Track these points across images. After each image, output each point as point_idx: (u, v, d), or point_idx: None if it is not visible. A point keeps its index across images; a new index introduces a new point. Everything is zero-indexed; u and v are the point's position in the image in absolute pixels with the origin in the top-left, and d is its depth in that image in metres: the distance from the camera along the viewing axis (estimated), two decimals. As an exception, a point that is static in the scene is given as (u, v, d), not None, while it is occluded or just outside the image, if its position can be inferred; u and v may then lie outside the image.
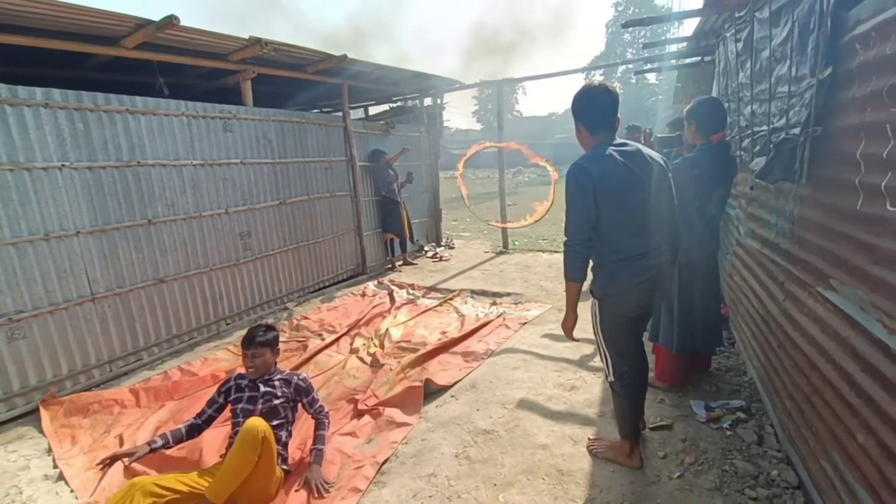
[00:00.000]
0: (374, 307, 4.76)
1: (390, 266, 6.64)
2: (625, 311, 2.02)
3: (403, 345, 3.77)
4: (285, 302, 5.09)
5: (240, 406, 2.25)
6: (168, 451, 2.36)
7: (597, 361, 3.24)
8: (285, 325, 4.44)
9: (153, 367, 3.69)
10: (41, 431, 2.79)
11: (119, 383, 3.42)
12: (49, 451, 2.63)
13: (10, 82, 3.01)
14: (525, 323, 4.17)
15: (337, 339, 4.00)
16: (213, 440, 2.50)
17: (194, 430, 2.32)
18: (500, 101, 7.23)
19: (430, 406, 2.87)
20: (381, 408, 2.82)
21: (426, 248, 7.69)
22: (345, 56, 4.98)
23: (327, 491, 2.14)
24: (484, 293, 5.18)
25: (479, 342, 3.75)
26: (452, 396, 2.97)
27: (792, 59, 1.90)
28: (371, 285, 5.68)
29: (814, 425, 1.78)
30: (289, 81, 5.65)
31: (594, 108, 1.98)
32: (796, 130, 1.85)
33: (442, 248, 7.77)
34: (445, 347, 3.64)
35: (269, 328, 2.39)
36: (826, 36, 1.60)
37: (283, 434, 2.26)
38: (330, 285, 5.82)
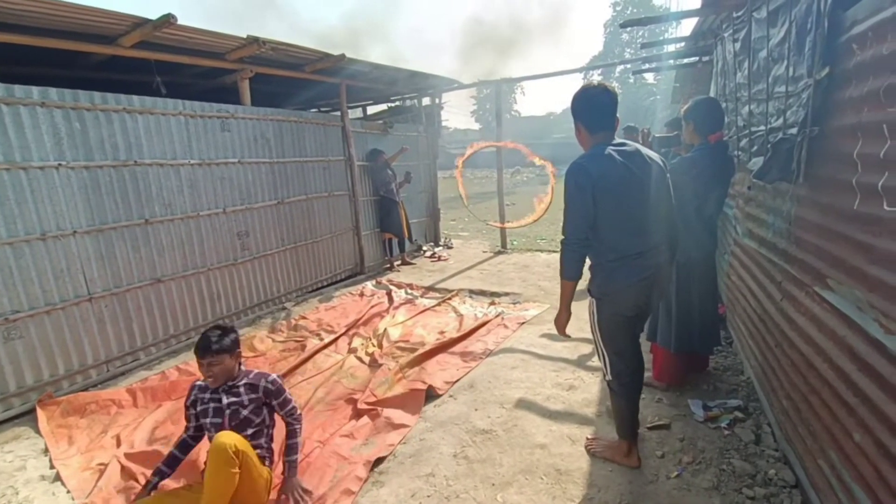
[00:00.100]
0: (372, 307, 4.76)
1: (388, 266, 6.63)
2: (622, 310, 2.02)
3: (402, 345, 3.77)
4: (283, 302, 5.08)
5: (208, 420, 2.07)
6: (165, 452, 2.34)
7: (595, 361, 3.25)
8: (283, 324, 4.43)
9: (151, 367, 3.67)
10: (38, 432, 2.78)
11: (116, 383, 3.41)
12: (46, 451, 2.62)
13: (6, 81, 3.00)
14: (523, 323, 4.17)
15: (335, 339, 3.99)
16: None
17: (187, 447, 2.20)
18: (498, 100, 7.23)
19: (428, 406, 2.87)
20: (380, 408, 2.81)
21: (424, 248, 7.69)
22: (343, 55, 4.97)
23: (309, 497, 2.09)
24: (482, 293, 5.18)
25: (478, 342, 3.76)
26: (451, 396, 2.97)
27: (789, 60, 1.90)
28: (369, 285, 5.67)
29: (811, 424, 1.79)
30: (287, 81, 5.64)
31: (593, 107, 1.99)
32: (794, 130, 1.85)
33: (440, 248, 7.77)
34: (444, 347, 3.64)
35: (226, 331, 2.09)
36: (823, 36, 1.60)
37: (263, 440, 2.12)
38: (328, 285, 5.81)
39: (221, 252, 4.42)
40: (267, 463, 2.10)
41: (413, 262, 6.98)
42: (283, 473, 2.15)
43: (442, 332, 4.01)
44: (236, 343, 2.11)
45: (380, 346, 3.80)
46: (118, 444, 2.62)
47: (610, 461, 2.23)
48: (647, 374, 2.70)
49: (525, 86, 47.35)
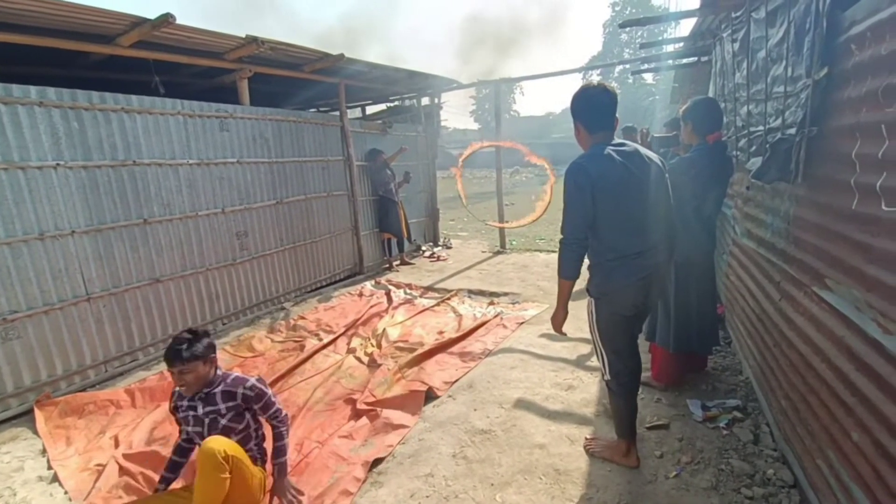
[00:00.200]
0: (371, 307, 4.75)
1: (388, 266, 6.63)
2: (621, 309, 2.02)
3: (401, 345, 3.77)
4: (282, 302, 5.07)
5: (190, 429, 2.00)
6: (164, 453, 2.34)
7: (593, 361, 3.25)
8: (282, 325, 4.43)
9: (149, 368, 3.66)
10: (35, 432, 2.78)
11: (115, 384, 3.40)
12: (43, 452, 2.61)
13: (4, 80, 2.99)
14: (522, 323, 4.17)
15: (334, 340, 3.99)
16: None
17: (185, 452, 2.15)
18: (497, 100, 7.23)
19: (427, 406, 2.87)
20: (379, 409, 2.81)
21: (423, 248, 7.68)
22: (342, 55, 4.97)
23: (301, 497, 2.08)
24: (481, 293, 5.18)
25: (477, 342, 3.75)
26: (450, 396, 2.97)
27: (788, 60, 1.90)
28: (368, 285, 5.67)
29: (809, 424, 1.79)
30: (285, 80, 5.63)
31: (593, 107, 1.99)
32: (792, 131, 1.85)
33: (439, 248, 7.77)
34: (443, 347, 3.64)
35: (197, 335, 1.93)
36: (822, 36, 1.60)
37: (252, 444, 2.07)
38: (327, 285, 5.81)
39: (220, 252, 4.42)
40: (259, 464, 2.08)
41: (412, 262, 6.98)
42: (272, 475, 2.12)
43: (441, 333, 4.01)
44: (210, 348, 1.95)
45: (379, 346, 3.80)
46: (116, 445, 2.61)
47: (609, 461, 2.23)
48: (646, 374, 2.71)
49: (524, 86, 47.46)
